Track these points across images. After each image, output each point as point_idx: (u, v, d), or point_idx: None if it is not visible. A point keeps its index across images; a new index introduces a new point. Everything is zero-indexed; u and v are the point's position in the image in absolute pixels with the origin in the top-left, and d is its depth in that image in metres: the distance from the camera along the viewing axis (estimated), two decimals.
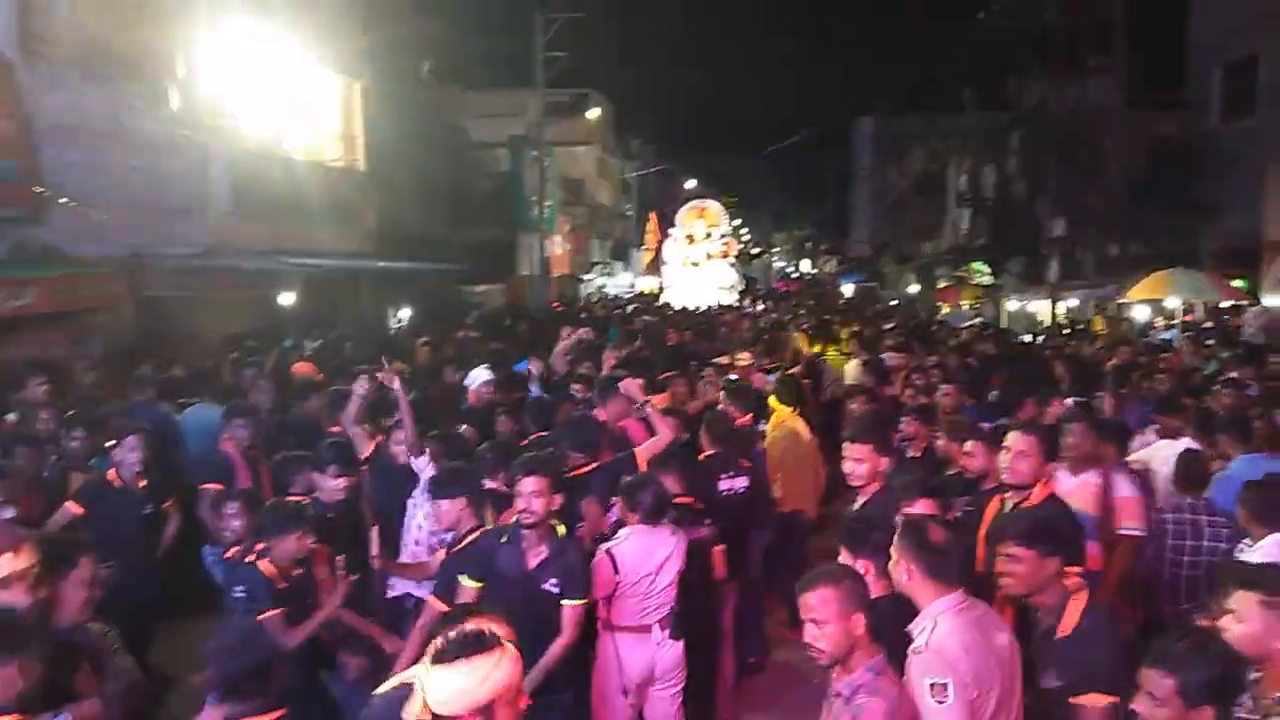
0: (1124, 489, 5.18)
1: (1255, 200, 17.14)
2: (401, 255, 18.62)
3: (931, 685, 2.98)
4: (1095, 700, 3.14)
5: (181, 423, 7.54)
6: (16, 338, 9.45)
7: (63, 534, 3.99)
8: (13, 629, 2.76)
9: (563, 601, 4.23)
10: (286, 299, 13.86)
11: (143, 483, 5.74)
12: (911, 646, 3.13)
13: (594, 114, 38.87)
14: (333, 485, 5.16)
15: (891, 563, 3.30)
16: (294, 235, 14.78)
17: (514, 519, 4.38)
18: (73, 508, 5.39)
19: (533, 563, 4.29)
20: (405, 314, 17.21)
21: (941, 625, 3.12)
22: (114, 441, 5.75)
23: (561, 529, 4.43)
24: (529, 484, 4.24)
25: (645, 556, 4.58)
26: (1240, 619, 2.92)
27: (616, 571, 4.53)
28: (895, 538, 3.32)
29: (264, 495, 5.47)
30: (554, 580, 4.25)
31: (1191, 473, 5.40)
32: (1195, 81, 20.43)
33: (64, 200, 10.52)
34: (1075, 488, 5.10)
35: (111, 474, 5.69)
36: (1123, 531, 5.11)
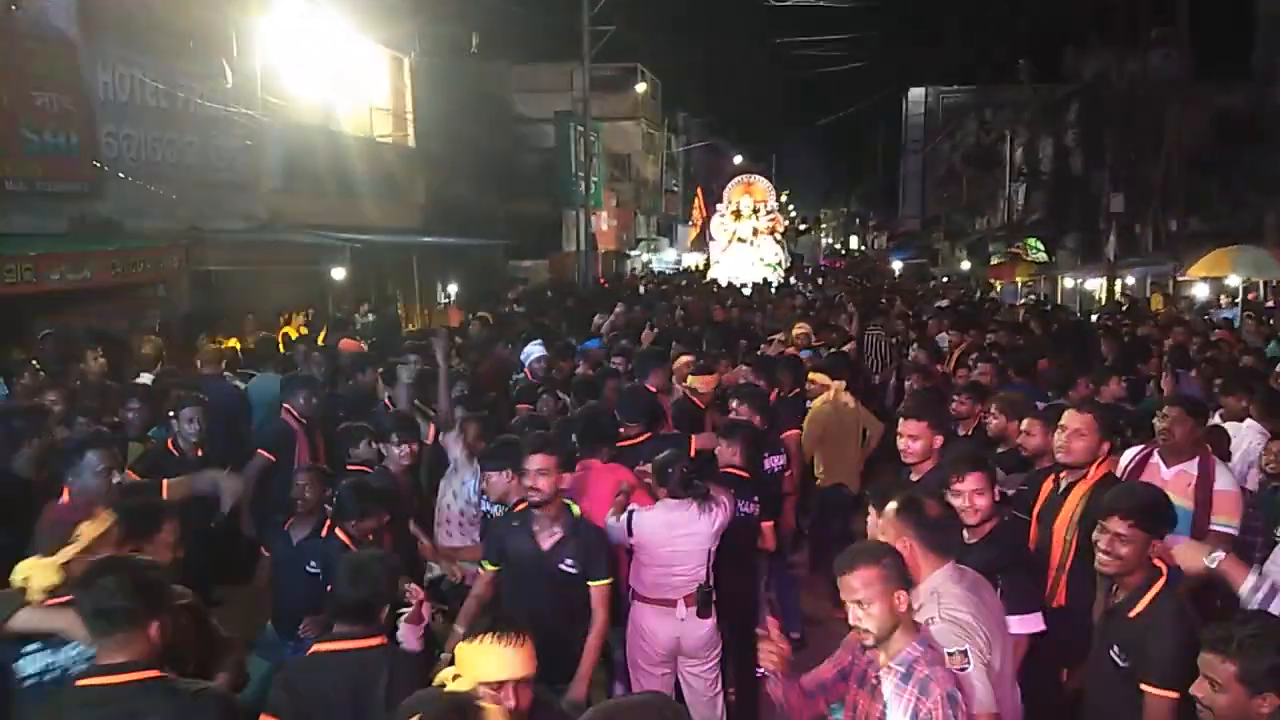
0: (1223, 481, 4.66)
1: None
2: (449, 230, 18.77)
3: (950, 654, 3.05)
4: (1161, 693, 3.11)
5: (248, 393, 7.69)
6: (77, 311, 9.69)
7: (147, 498, 4.12)
8: (160, 585, 2.82)
9: (589, 583, 4.19)
10: (337, 273, 14.06)
11: (199, 452, 5.85)
12: (924, 617, 3.19)
13: (641, 89, 38.64)
14: (398, 453, 5.24)
15: (892, 537, 3.33)
16: (344, 210, 14.95)
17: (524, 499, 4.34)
18: (131, 476, 5.51)
19: (547, 544, 4.22)
20: (453, 289, 17.35)
21: (946, 596, 3.22)
22: (173, 412, 5.87)
23: (576, 508, 4.37)
24: (535, 462, 4.16)
25: (666, 530, 4.57)
26: None
27: (630, 535, 4.56)
28: (893, 514, 3.37)
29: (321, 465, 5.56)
30: (570, 561, 4.18)
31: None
32: (1264, 51, 19.77)
33: (122, 175, 10.74)
34: (1171, 479, 4.65)
35: (170, 443, 5.82)
36: (1216, 528, 4.56)
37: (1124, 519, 3.36)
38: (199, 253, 11.55)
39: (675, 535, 4.57)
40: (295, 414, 6.28)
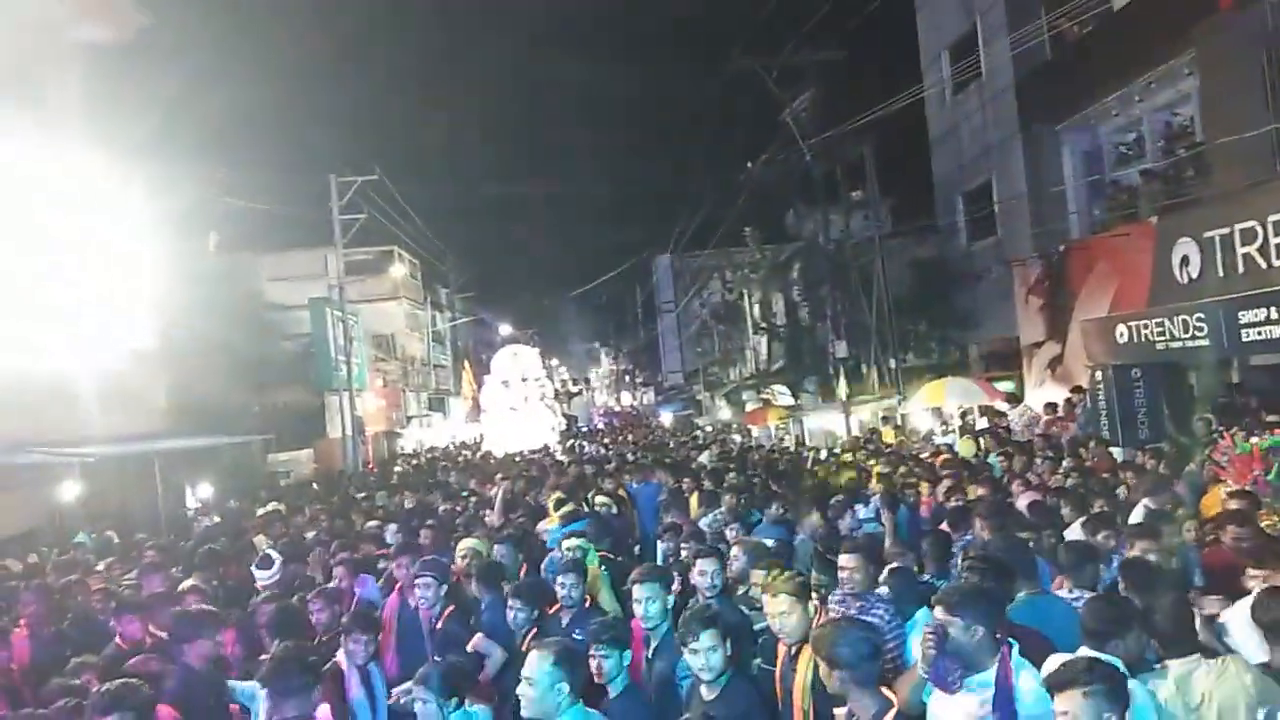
0: (1032, 700, 3.52)
1: (1008, 309, 19.09)
2: (199, 429, 17.86)
3: None
4: None
5: None
6: None
7: None
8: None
9: None
10: (69, 491, 13.00)
11: None
12: None
13: (398, 270, 39.00)
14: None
15: (544, 687, 3.83)
16: (73, 422, 13.91)
17: None
18: None
19: None
20: (204, 492, 16.38)
21: None
22: None
23: None
24: None
25: None
26: (1074, 715, 3.14)
27: None
28: (548, 666, 3.86)
29: None
30: None
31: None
32: (943, 208, 22.89)
33: None
34: (960, 699, 3.69)
35: None
36: None
37: (835, 667, 3.67)
38: None
39: None
40: None
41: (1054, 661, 3.56)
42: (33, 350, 13.64)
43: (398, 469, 22.88)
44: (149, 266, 17.23)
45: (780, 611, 4.47)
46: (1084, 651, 3.80)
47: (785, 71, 22.12)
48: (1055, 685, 3.24)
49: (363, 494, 15.16)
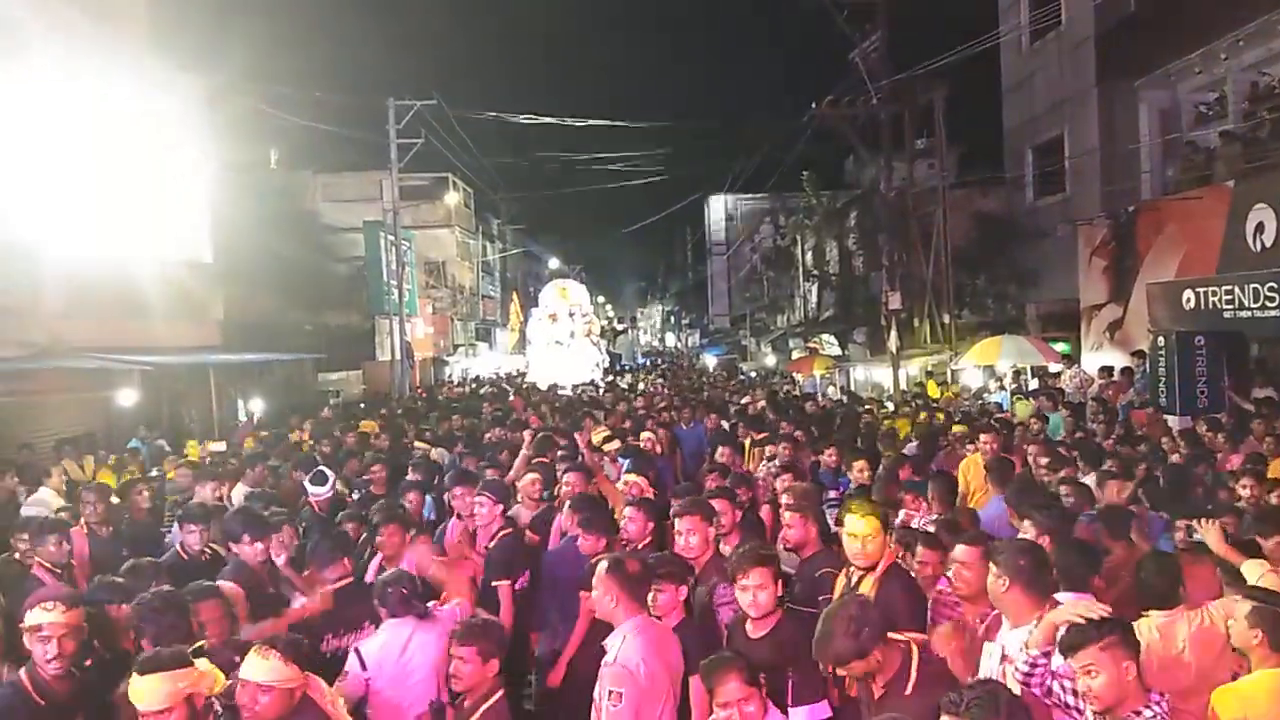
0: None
1: (1070, 268, 18.60)
2: (252, 345, 18.18)
3: (610, 693, 3.76)
4: None
5: None
6: None
7: None
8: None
9: None
10: (127, 398, 13.35)
11: None
12: (605, 659, 3.93)
13: (452, 198, 39.04)
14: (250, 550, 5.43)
15: (600, 594, 4.06)
16: (134, 331, 14.23)
17: None
18: None
19: None
20: (256, 407, 16.70)
21: (628, 642, 3.95)
22: None
23: None
24: None
25: (395, 652, 4.55)
26: (1096, 672, 3.16)
27: (364, 668, 4.48)
28: (602, 574, 4.07)
29: None
30: None
31: None
32: (1011, 161, 22.22)
33: None
34: (1012, 645, 3.76)
35: None
36: None
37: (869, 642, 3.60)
38: None
39: (406, 654, 4.56)
40: (48, 565, 5.68)
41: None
42: (95, 258, 13.90)
43: (443, 397, 23.15)
44: (209, 176, 17.39)
45: (866, 534, 4.52)
46: None
47: (857, 9, 21.41)
48: (1070, 648, 3.26)
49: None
